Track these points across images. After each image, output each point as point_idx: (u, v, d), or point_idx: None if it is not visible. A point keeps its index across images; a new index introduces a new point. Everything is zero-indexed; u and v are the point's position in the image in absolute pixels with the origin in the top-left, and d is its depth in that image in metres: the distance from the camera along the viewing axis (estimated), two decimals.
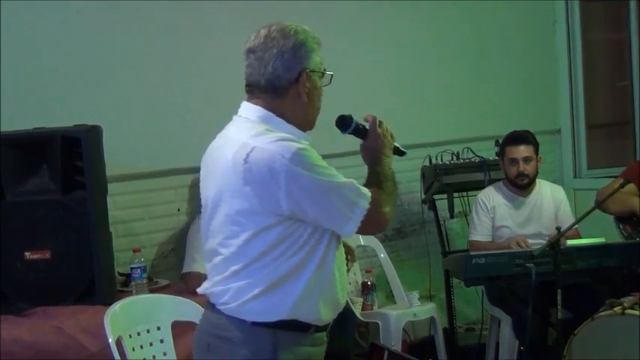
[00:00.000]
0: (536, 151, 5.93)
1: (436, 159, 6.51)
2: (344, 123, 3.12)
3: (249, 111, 2.99)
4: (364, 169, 3.15)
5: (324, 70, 3.03)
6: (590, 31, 8.23)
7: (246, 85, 3.03)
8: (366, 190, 2.93)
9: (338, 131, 3.15)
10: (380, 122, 3.16)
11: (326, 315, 3.00)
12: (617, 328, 4.87)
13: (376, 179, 3.05)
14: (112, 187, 4.87)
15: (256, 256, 2.87)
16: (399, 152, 3.24)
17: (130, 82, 5.42)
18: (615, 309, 4.97)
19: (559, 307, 4.89)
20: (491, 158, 6.50)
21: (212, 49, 5.78)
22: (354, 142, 3.21)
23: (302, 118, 3.01)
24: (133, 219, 5.48)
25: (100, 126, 4.60)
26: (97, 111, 5.07)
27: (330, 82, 3.06)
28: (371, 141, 3.14)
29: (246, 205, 2.84)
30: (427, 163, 6.51)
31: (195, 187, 5.68)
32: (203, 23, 5.79)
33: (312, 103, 3.01)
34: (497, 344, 5.95)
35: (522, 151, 5.85)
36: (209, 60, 5.77)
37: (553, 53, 8.06)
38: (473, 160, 6.53)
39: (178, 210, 5.69)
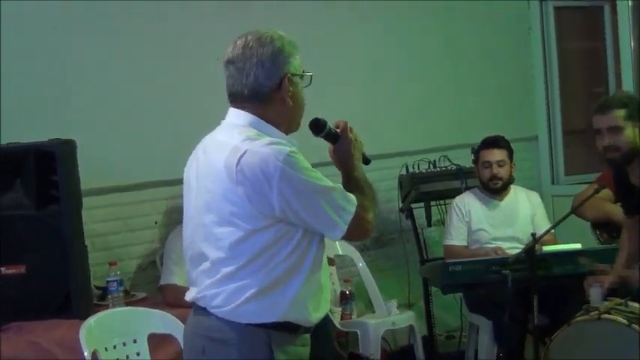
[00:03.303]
0: (510, 157, 5.98)
1: (413, 168, 6.53)
2: (318, 126, 3.14)
3: (237, 117, 3.05)
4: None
5: (304, 71, 3.08)
6: (565, 38, 8.28)
7: (229, 95, 3.08)
8: (352, 196, 2.99)
9: (311, 141, 3.16)
10: (350, 128, 3.20)
11: (315, 317, 3.06)
12: (593, 333, 4.86)
13: (356, 185, 3.11)
14: (88, 201, 4.87)
15: (249, 258, 2.91)
16: (365, 160, 3.26)
17: (105, 95, 5.42)
18: (591, 314, 4.98)
19: (535, 312, 4.92)
20: (467, 166, 6.52)
21: (187, 62, 5.79)
22: (324, 153, 3.23)
23: (288, 121, 3.07)
24: (110, 232, 5.48)
25: (74, 140, 4.60)
26: (72, 125, 5.06)
27: (310, 82, 3.12)
28: (343, 145, 3.18)
29: (238, 206, 2.89)
30: (404, 172, 6.52)
31: (172, 199, 5.69)
32: (177, 35, 5.79)
33: (297, 105, 3.08)
34: (477, 351, 5.97)
35: (496, 154, 5.91)
36: (184, 72, 5.77)
37: (529, 60, 8.09)
38: (449, 168, 6.55)
39: (155, 223, 5.68)
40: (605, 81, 8.25)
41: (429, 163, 6.60)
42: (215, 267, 2.97)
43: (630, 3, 7.41)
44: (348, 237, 3.03)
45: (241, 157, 2.88)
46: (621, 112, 4.47)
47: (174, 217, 5.63)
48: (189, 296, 3.11)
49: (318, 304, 3.06)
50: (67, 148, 4.55)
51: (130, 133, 5.52)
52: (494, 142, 5.97)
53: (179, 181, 5.52)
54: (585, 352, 4.82)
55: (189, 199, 3.14)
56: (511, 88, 7.91)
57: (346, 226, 2.97)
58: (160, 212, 5.69)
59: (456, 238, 5.99)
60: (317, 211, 2.93)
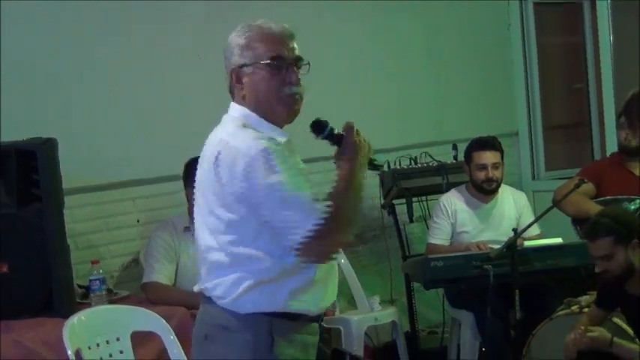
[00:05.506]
0: (502, 158, 5.98)
1: (394, 164, 6.53)
2: (318, 127, 3.05)
3: (232, 109, 3.08)
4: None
5: (271, 57, 3.00)
6: (545, 34, 8.31)
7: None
8: (318, 216, 2.83)
9: (310, 136, 3.12)
10: (357, 131, 3.06)
11: (317, 308, 3.05)
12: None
13: (343, 193, 2.94)
14: (70, 200, 4.87)
15: (236, 248, 2.93)
16: (374, 166, 3.13)
17: (86, 93, 5.41)
18: (573, 308, 5.03)
19: (517, 307, 4.95)
20: (448, 162, 6.53)
21: (170, 61, 5.78)
22: (326, 148, 3.17)
23: (263, 112, 3.03)
24: (92, 231, 5.46)
25: (55, 139, 4.58)
26: (53, 123, 5.04)
27: (298, 66, 3.07)
28: (345, 149, 3.03)
29: (218, 196, 2.92)
30: (386, 169, 6.52)
31: (153, 197, 5.69)
32: (161, 35, 5.77)
33: (258, 95, 3.03)
34: (459, 346, 5.98)
35: (491, 157, 5.89)
36: (166, 71, 5.75)
37: (508, 57, 8.12)
38: (431, 164, 6.54)
39: (138, 221, 5.67)
40: (584, 76, 8.28)
41: (410, 159, 6.58)
42: (207, 256, 3.01)
43: None
44: (300, 256, 2.89)
45: (221, 149, 2.91)
46: (609, 240, 4.43)
47: (156, 215, 5.63)
48: (196, 287, 3.13)
49: (319, 295, 3.04)
50: (48, 146, 4.54)
51: (110, 132, 5.50)
52: (489, 144, 5.94)
53: (160, 179, 5.63)
54: None
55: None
56: (491, 84, 7.93)
57: (294, 245, 2.86)
58: (141, 210, 5.68)
59: (439, 237, 5.98)
60: (271, 215, 2.86)
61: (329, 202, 2.86)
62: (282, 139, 3.01)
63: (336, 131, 3.07)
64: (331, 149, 3.13)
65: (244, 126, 2.98)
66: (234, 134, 2.95)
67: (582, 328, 4.55)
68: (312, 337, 3.09)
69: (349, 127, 3.05)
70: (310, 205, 2.84)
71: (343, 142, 3.04)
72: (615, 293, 4.54)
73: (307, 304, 3.01)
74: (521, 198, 6.19)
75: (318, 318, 3.11)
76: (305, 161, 3.19)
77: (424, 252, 6.25)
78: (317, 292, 3.04)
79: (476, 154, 5.93)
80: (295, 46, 3.08)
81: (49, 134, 4.61)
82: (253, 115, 3.02)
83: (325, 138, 3.07)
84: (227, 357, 2.99)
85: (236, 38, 3.05)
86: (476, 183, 5.96)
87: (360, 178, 3.01)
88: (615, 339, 4.43)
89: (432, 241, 6.02)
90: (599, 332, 4.51)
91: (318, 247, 2.88)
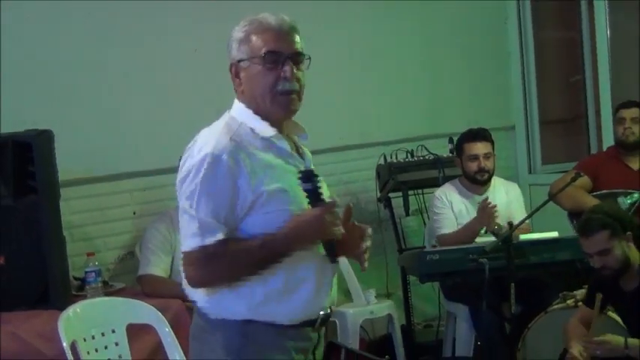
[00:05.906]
0: (493, 149, 5.99)
1: (391, 157, 6.54)
2: (305, 177, 2.90)
3: (233, 104, 3.02)
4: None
5: (266, 52, 2.92)
6: (542, 28, 8.31)
7: None
8: (196, 241, 2.83)
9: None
10: (332, 212, 2.87)
11: (286, 317, 2.91)
12: None
13: (253, 247, 2.82)
14: (66, 192, 4.86)
15: None
16: (330, 252, 2.94)
17: (82, 85, 5.40)
18: (568, 302, 5.04)
19: (512, 301, 4.95)
20: (445, 155, 6.54)
21: (162, 52, 5.77)
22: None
23: (263, 110, 2.95)
24: (88, 223, 5.45)
25: (51, 130, 4.57)
26: (50, 115, 5.02)
27: (309, 65, 3.05)
28: (309, 214, 2.87)
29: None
30: (382, 162, 6.53)
31: (149, 189, 5.68)
32: (154, 26, 5.76)
33: (252, 89, 2.96)
34: (455, 340, 5.99)
35: (482, 147, 5.89)
36: (160, 63, 5.75)
37: (505, 50, 8.13)
38: (427, 157, 6.56)
39: (134, 213, 5.67)
40: (581, 70, 8.28)
41: (407, 152, 6.60)
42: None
43: None
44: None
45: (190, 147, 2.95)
46: (605, 235, 4.43)
47: (152, 208, 5.62)
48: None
49: (291, 305, 2.90)
50: (44, 138, 4.52)
51: (107, 124, 5.50)
52: (480, 135, 5.95)
53: (157, 172, 5.61)
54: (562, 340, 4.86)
55: None
56: (488, 77, 7.94)
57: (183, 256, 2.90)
58: (138, 203, 5.68)
59: (448, 226, 5.90)
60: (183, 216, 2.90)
61: (216, 241, 2.80)
62: (270, 134, 2.94)
63: (320, 193, 2.91)
64: (340, 140, 3.10)
65: (228, 124, 2.93)
66: (205, 133, 2.93)
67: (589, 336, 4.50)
68: (303, 342, 2.99)
69: (332, 202, 2.90)
70: (195, 230, 2.83)
71: (316, 205, 2.89)
72: (610, 290, 4.53)
73: (274, 313, 2.89)
74: (514, 189, 6.20)
75: (312, 323, 2.98)
76: (314, 152, 3.18)
77: (420, 245, 6.26)
78: (285, 304, 2.90)
79: (467, 146, 5.94)
80: (296, 40, 3.01)
81: (45, 126, 4.60)
82: (248, 111, 2.96)
83: (304, 187, 2.89)
84: (203, 357, 2.97)
85: (236, 32, 2.99)
86: (468, 174, 5.96)
87: (290, 250, 2.85)
88: (629, 340, 4.38)
89: (442, 232, 5.92)
90: (609, 337, 4.45)
91: (187, 270, 2.88)
